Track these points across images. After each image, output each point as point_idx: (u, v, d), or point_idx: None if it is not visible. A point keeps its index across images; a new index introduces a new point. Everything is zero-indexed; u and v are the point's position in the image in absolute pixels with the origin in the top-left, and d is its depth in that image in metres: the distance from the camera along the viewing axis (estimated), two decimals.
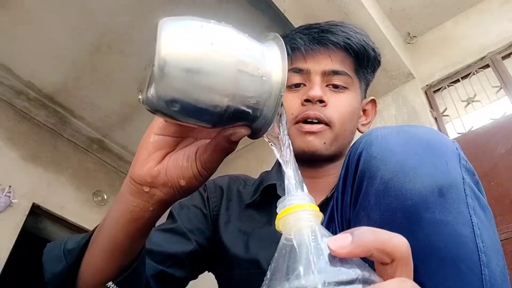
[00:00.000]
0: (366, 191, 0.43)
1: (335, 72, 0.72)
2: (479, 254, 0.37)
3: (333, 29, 0.73)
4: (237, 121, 0.37)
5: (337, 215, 0.52)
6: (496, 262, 0.38)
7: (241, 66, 0.34)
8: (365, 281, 0.24)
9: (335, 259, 0.25)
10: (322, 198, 0.68)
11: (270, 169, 0.80)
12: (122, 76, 2.76)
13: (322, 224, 0.30)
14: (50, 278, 0.50)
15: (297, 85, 0.73)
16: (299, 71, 0.73)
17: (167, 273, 0.63)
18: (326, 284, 0.24)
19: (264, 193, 0.73)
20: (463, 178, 0.41)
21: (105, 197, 3.22)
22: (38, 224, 2.95)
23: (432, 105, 2.29)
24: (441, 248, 0.37)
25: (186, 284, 0.69)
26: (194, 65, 0.32)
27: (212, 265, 0.74)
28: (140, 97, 0.34)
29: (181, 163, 0.40)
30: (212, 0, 2.29)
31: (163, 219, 0.60)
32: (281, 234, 0.30)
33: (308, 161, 0.71)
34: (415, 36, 2.56)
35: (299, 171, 0.35)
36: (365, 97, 0.80)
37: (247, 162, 2.79)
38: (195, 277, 0.71)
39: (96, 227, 0.49)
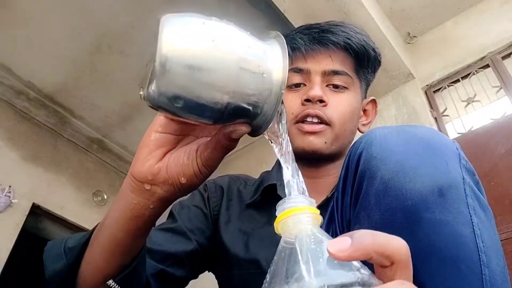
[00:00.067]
0: (366, 191, 0.43)
1: (335, 72, 0.72)
2: (479, 254, 0.37)
3: (333, 29, 0.73)
4: (237, 118, 0.37)
5: (337, 215, 0.52)
6: (497, 262, 0.38)
7: (243, 63, 0.34)
8: (365, 284, 0.24)
9: (335, 262, 0.25)
10: (322, 198, 0.68)
11: (270, 169, 0.80)
12: (122, 76, 2.76)
13: (322, 224, 0.30)
14: (50, 276, 0.50)
15: (297, 85, 0.73)
16: (299, 71, 0.73)
17: (167, 272, 0.63)
18: (325, 287, 0.24)
19: (265, 193, 0.73)
20: (463, 178, 0.41)
21: (105, 197, 3.22)
22: (38, 224, 2.95)
23: (432, 105, 2.29)
24: (441, 248, 0.37)
25: (186, 283, 0.69)
26: (196, 62, 0.32)
27: (212, 264, 0.74)
28: (141, 93, 0.35)
29: (181, 161, 0.40)
30: (212, 0, 2.28)
31: (163, 218, 0.60)
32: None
33: (309, 161, 0.71)
34: (415, 36, 2.56)
35: (299, 171, 0.35)
36: (365, 97, 0.80)
37: (247, 162, 2.79)
38: (195, 277, 0.71)
39: (96, 225, 0.50)
